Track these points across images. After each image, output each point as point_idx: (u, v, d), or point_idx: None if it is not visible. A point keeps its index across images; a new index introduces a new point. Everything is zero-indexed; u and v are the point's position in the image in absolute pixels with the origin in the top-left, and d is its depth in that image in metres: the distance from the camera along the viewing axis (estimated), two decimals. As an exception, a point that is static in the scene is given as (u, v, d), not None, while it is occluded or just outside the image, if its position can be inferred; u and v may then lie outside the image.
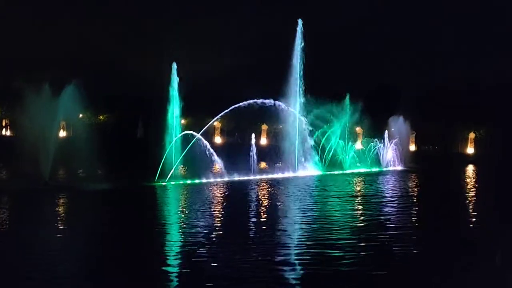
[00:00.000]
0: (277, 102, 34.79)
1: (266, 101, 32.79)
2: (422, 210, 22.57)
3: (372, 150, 43.14)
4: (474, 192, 29.57)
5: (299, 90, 37.28)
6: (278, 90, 38.07)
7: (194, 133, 29.83)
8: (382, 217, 20.46)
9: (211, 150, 29.69)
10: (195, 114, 69.46)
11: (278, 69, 38.87)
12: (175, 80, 30.89)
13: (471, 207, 23.98)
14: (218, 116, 30.58)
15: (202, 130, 30.27)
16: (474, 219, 20.80)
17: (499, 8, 75.63)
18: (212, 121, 30.58)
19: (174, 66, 31.13)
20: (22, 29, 78.23)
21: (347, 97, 43.29)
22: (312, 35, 39.05)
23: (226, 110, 30.78)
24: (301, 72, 37.15)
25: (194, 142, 29.37)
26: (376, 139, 44.13)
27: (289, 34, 37.79)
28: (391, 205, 23.52)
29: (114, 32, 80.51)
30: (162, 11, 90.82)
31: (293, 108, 36.97)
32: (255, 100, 31.98)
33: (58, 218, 19.23)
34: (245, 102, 31.43)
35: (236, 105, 30.76)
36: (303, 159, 37.75)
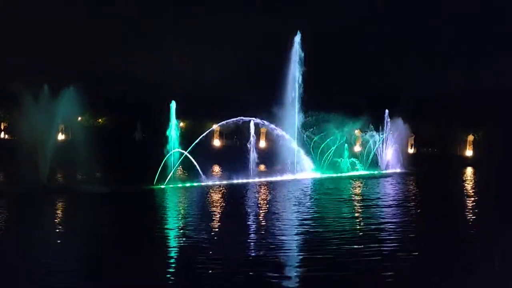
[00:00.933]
0: (259, 121, 34.82)
1: (248, 119, 32.85)
2: (426, 215, 22.39)
3: (372, 152, 43.04)
4: (478, 195, 29.37)
5: (297, 106, 37.70)
6: (277, 93, 38.23)
7: (182, 151, 29.95)
8: (389, 222, 20.23)
9: (199, 170, 29.82)
10: (194, 116, 69.42)
11: (277, 70, 38.87)
12: (173, 120, 30.85)
13: (477, 210, 23.65)
14: (200, 137, 30.90)
15: (190, 147, 30.40)
16: (481, 223, 20.40)
17: (499, 8, 75.48)
18: (200, 137, 30.90)
19: (173, 104, 31.09)
20: (21, 29, 78.05)
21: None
22: (312, 35, 39.05)
23: (205, 133, 31.08)
24: (300, 91, 37.45)
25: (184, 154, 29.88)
26: (371, 126, 43.92)
27: (289, 35, 37.76)
28: (399, 209, 23.14)
29: (114, 32, 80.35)
30: (162, 11, 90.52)
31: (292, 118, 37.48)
32: (238, 118, 32.22)
33: (56, 220, 19.18)
34: (229, 120, 31.87)
35: (218, 124, 31.18)
36: (301, 162, 37.82)
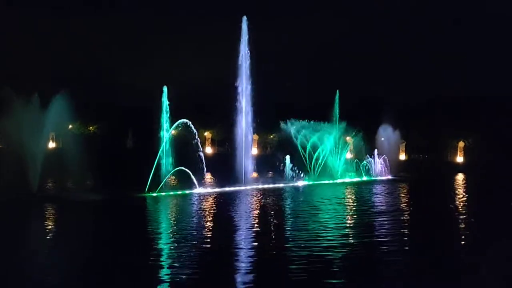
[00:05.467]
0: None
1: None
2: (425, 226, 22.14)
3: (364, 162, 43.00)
4: (471, 201, 29.36)
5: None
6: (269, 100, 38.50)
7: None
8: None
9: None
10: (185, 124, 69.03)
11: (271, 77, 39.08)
12: (165, 103, 30.62)
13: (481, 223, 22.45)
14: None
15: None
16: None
17: (495, 14, 76.19)
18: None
19: (165, 89, 30.84)
20: (9, 34, 77.29)
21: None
22: (307, 44, 39.34)
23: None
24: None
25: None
26: (367, 157, 43.12)
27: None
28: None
29: (105, 42, 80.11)
30: (156, 16, 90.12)
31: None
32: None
33: (45, 229, 18.94)
34: None
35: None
36: (294, 169, 37.87)
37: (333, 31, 75.14)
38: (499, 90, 62.45)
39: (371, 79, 73.85)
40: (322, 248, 16.00)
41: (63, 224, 20.14)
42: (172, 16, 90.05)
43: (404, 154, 60.78)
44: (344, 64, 73.57)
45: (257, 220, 21.83)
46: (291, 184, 35.36)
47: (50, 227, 19.71)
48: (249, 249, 16.27)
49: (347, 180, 39.56)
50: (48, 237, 17.69)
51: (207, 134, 72.07)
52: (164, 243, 17.01)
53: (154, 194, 27.74)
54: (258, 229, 19.71)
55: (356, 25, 79.26)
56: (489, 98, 63.18)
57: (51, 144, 45.70)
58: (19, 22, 75.44)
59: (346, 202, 28.52)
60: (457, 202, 28.58)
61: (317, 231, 18.93)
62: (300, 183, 35.95)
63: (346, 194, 32.25)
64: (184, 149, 31.54)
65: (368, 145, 44.19)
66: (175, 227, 20.12)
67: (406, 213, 24.35)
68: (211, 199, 27.46)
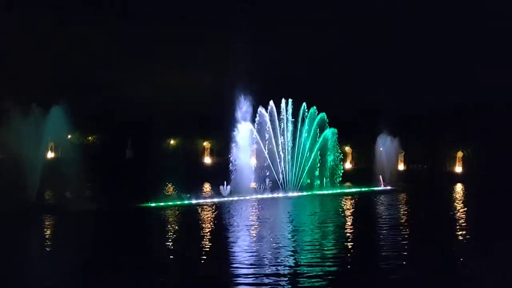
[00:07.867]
0: None
1: None
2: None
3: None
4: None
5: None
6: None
7: None
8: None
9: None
10: (184, 133, 69.31)
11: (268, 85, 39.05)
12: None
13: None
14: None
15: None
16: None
17: (493, 23, 76.14)
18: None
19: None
20: (9, 46, 77.21)
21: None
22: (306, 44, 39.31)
23: None
24: None
25: None
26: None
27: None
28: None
29: (105, 41, 79.88)
30: (156, 28, 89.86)
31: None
32: None
33: (43, 239, 18.90)
34: None
35: None
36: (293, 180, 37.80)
37: (333, 31, 75.02)
38: (499, 94, 62.31)
39: (371, 83, 73.68)
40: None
41: (61, 234, 20.09)
42: (172, 15, 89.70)
43: (403, 164, 60.72)
44: (343, 66, 73.31)
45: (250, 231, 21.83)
46: (290, 195, 35.47)
47: (47, 236, 19.66)
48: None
49: (346, 190, 39.46)
50: (46, 248, 17.63)
51: (206, 144, 72.09)
52: (163, 252, 16.99)
53: (153, 204, 27.69)
54: (255, 238, 19.71)
55: (356, 25, 78.86)
56: (489, 103, 62.82)
57: (50, 154, 45.71)
58: (19, 23, 75.31)
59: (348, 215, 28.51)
60: (458, 210, 28.60)
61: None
62: (294, 194, 36.07)
63: (346, 206, 32.22)
64: (183, 159, 31.59)
65: (367, 155, 44.25)
66: (173, 238, 20.08)
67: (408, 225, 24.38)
68: (210, 209, 27.48)
